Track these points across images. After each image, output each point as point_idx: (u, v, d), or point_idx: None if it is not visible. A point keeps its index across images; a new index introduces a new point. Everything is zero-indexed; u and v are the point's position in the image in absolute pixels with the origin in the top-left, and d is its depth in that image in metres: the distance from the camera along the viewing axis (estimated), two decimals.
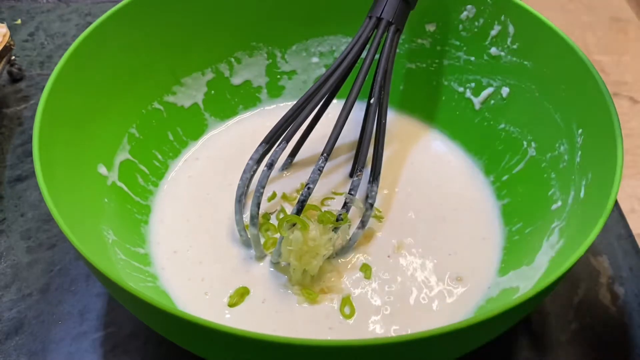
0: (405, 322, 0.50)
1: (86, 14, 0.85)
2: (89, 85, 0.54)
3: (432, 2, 0.61)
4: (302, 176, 0.60)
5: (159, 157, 0.61)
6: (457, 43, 0.62)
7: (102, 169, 0.54)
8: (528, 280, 0.47)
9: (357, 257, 0.54)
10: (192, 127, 0.64)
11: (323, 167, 0.52)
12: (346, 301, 0.51)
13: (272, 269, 0.53)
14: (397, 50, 0.58)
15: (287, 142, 0.54)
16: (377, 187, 0.55)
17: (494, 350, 0.50)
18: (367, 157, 0.55)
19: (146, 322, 0.45)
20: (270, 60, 0.67)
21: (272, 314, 0.50)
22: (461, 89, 0.63)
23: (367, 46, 0.55)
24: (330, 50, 0.67)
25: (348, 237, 0.53)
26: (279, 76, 0.67)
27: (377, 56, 0.55)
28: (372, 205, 0.54)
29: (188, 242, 0.55)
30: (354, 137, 0.61)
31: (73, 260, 0.57)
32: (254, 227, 0.52)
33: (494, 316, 0.37)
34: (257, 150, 0.54)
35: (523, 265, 0.50)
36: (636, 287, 0.54)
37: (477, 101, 0.62)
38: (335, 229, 0.51)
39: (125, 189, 0.56)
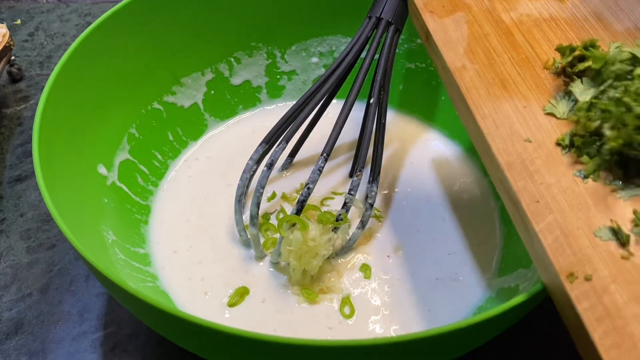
0: (405, 322, 0.50)
1: (86, 14, 0.85)
2: (88, 86, 0.54)
3: None
4: (302, 176, 0.60)
5: (159, 157, 0.61)
6: None
7: (102, 169, 0.54)
8: (527, 280, 0.47)
9: (357, 257, 0.54)
10: (192, 127, 0.64)
11: (323, 167, 0.52)
12: (346, 301, 0.51)
13: (271, 269, 0.53)
14: (397, 50, 0.58)
15: (287, 142, 0.54)
16: (377, 187, 0.55)
17: (494, 350, 0.50)
18: (367, 157, 0.55)
19: (146, 322, 0.45)
20: (270, 61, 0.67)
21: (271, 314, 0.50)
22: None
23: (367, 46, 0.55)
24: (330, 50, 0.67)
25: (348, 237, 0.53)
26: (278, 76, 0.67)
27: (376, 56, 0.55)
28: (372, 205, 0.54)
29: (188, 242, 0.55)
30: (353, 137, 0.61)
31: (73, 260, 0.57)
32: (254, 227, 0.52)
33: (494, 316, 0.37)
34: (256, 150, 0.54)
35: (522, 265, 0.50)
36: None
37: None
38: (335, 229, 0.51)
39: (125, 189, 0.56)
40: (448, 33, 0.48)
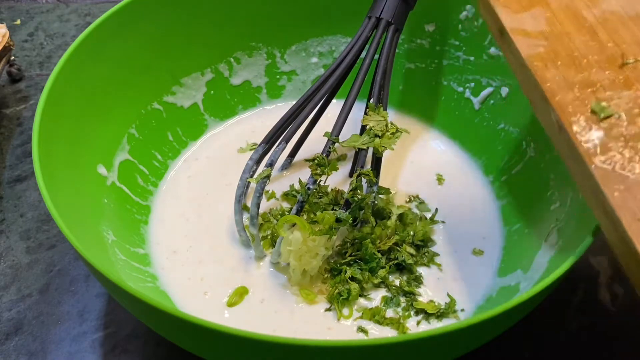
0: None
1: (85, 14, 0.85)
2: (88, 86, 0.54)
3: (432, 2, 0.61)
4: (302, 176, 0.60)
5: (159, 157, 0.61)
6: (457, 43, 0.62)
7: (102, 169, 0.54)
8: (528, 280, 0.47)
9: None
10: (191, 127, 0.64)
11: None
12: (344, 302, 0.50)
13: (271, 269, 0.53)
14: (397, 50, 0.58)
15: (287, 142, 0.54)
16: (377, 187, 0.54)
17: (494, 350, 0.50)
18: (367, 157, 0.55)
19: (146, 322, 0.45)
20: (270, 61, 0.67)
21: (271, 314, 0.50)
22: (460, 89, 0.63)
23: (367, 46, 0.55)
24: (330, 50, 0.67)
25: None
26: (278, 76, 0.67)
27: (376, 56, 0.55)
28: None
29: (187, 242, 0.55)
30: None
31: (73, 261, 0.57)
32: (254, 227, 0.52)
33: (494, 316, 0.37)
34: (256, 150, 0.54)
35: (522, 265, 0.50)
36: None
37: (476, 101, 0.62)
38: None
39: (125, 189, 0.56)
40: (526, 30, 0.44)
